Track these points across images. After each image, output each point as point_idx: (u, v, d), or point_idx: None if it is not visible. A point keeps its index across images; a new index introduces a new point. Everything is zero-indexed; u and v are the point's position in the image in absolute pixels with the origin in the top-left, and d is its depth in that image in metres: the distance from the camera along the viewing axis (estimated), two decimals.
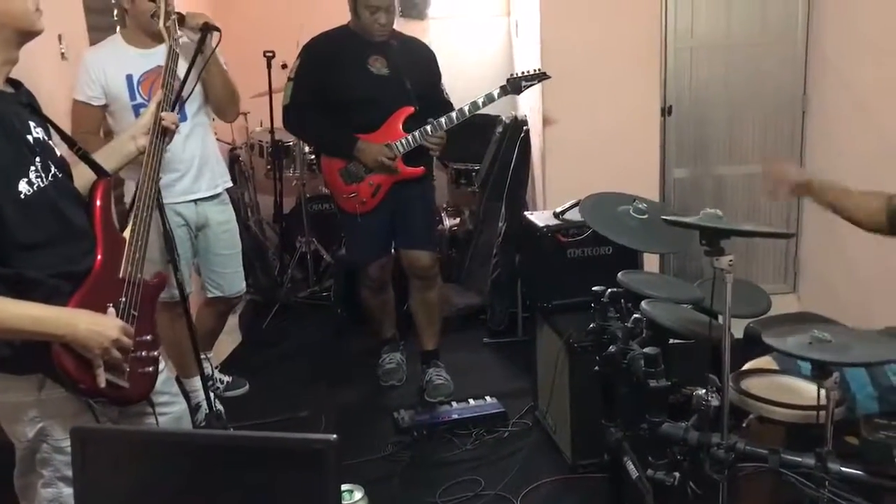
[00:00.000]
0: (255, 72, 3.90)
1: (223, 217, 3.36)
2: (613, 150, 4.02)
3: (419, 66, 3.49)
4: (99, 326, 1.76)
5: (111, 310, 1.85)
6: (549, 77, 3.56)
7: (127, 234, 1.99)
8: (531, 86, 3.55)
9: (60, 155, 1.93)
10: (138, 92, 3.11)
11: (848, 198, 2.34)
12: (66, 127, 2.97)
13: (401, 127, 3.41)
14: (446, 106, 3.52)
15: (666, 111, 4.14)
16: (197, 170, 3.21)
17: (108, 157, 2.11)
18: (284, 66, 4.93)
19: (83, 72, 3.10)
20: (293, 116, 3.50)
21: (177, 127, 2.24)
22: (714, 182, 4.26)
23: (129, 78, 3.10)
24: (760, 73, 4.12)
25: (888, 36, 3.41)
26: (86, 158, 2.00)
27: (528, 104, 4.56)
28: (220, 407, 3.33)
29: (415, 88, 3.40)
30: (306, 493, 1.26)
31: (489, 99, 3.44)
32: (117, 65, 3.09)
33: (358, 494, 1.69)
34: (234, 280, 3.46)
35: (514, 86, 3.50)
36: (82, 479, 1.36)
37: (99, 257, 1.89)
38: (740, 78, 4.14)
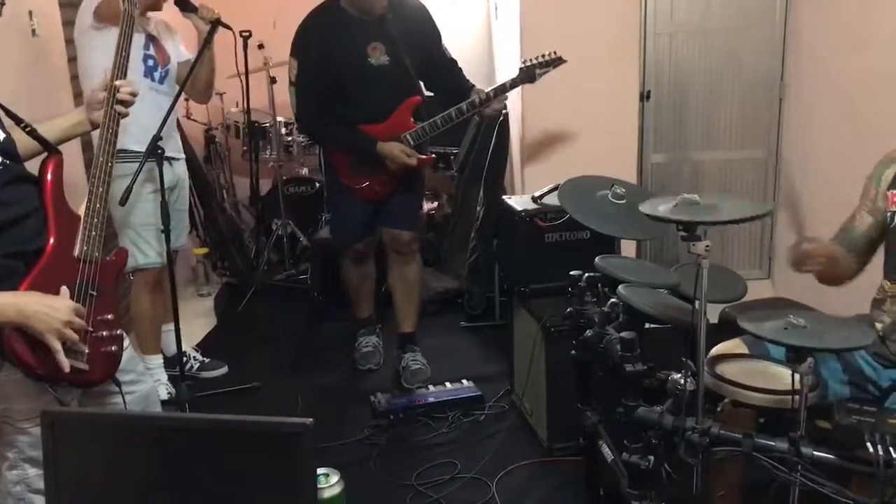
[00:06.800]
0: (231, 52, 3.86)
1: (185, 175, 3.55)
2: (592, 135, 4.02)
3: (418, 34, 3.35)
4: (48, 308, 1.72)
5: (64, 290, 1.82)
6: (565, 61, 3.33)
7: (82, 210, 1.94)
8: (546, 73, 3.33)
9: (4, 137, 1.88)
10: (152, 45, 3.22)
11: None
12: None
13: (410, 118, 3.35)
14: (452, 65, 3.47)
15: (644, 96, 4.15)
16: (166, 134, 3.33)
17: (57, 131, 2.06)
18: (261, 47, 4.89)
19: None
20: (305, 126, 3.59)
21: (134, 97, 2.13)
22: (691, 167, 4.27)
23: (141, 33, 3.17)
24: (739, 59, 4.13)
25: (866, 23, 3.42)
26: (35, 136, 1.95)
27: None
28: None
29: (417, 61, 3.31)
30: (282, 477, 1.25)
31: (501, 89, 3.32)
32: None
33: (334, 478, 1.69)
34: (182, 233, 3.63)
35: (528, 74, 3.31)
36: (54, 463, 1.34)
37: (51, 238, 1.85)
38: (719, 63, 4.15)
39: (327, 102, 3.34)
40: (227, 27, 3.20)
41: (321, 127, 3.48)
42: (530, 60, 3.32)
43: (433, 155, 3.51)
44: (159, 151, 2.94)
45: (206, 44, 3.14)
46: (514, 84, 3.34)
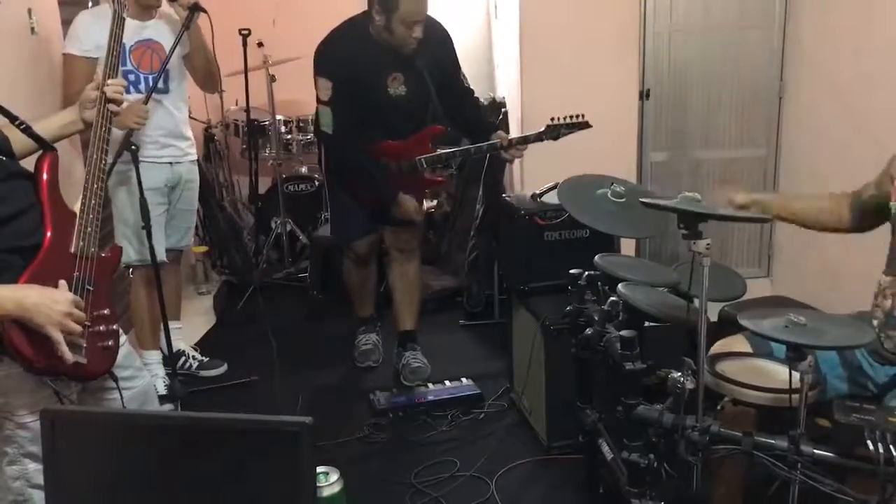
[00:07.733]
0: (230, 50, 3.86)
1: (191, 176, 3.54)
2: (591, 133, 3.99)
3: (437, 64, 3.38)
4: (48, 300, 1.74)
5: (63, 283, 1.83)
6: (590, 126, 3.39)
7: (77, 207, 1.96)
8: (570, 133, 3.38)
9: (1, 136, 1.90)
10: (129, 59, 3.20)
11: (797, 200, 2.43)
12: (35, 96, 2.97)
13: (429, 144, 3.42)
14: (466, 94, 3.56)
15: (644, 95, 4.14)
16: (172, 136, 3.38)
17: (52, 129, 2.08)
18: (260, 45, 4.89)
19: (81, 26, 3.13)
20: (337, 148, 3.46)
21: (122, 95, 2.16)
22: (691, 166, 4.27)
23: (122, 45, 3.09)
24: (738, 57, 4.13)
25: (864, 23, 3.42)
26: (29, 133, 1.96)
27: (507, 86, 4.55)
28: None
29: (434, 89, 3.34)
30: (281, 475, 1.25)
31: (524, 140, 3.39)
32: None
33: (333, 476, 1.68)
34: (187, 233, 3.66)
35: (554, 132, 3.34)
36: (53, 460, 1.34)
37: (48, 233, 1.87)
38: (718, 62, 4.15)
39: (356, 123, 3.34)
40: (203, 10, 3.18)
41: (352, 154, 3.40)
42: (558, 119, 3.35)
43: (441, 179, 3.70)
44: (133, 148, 2.91)
45: (184, 29, 3.15)
46: (538, 138, 3.36)
